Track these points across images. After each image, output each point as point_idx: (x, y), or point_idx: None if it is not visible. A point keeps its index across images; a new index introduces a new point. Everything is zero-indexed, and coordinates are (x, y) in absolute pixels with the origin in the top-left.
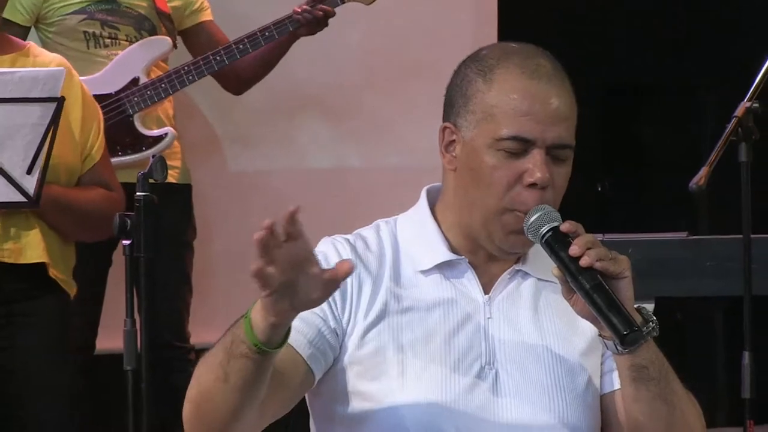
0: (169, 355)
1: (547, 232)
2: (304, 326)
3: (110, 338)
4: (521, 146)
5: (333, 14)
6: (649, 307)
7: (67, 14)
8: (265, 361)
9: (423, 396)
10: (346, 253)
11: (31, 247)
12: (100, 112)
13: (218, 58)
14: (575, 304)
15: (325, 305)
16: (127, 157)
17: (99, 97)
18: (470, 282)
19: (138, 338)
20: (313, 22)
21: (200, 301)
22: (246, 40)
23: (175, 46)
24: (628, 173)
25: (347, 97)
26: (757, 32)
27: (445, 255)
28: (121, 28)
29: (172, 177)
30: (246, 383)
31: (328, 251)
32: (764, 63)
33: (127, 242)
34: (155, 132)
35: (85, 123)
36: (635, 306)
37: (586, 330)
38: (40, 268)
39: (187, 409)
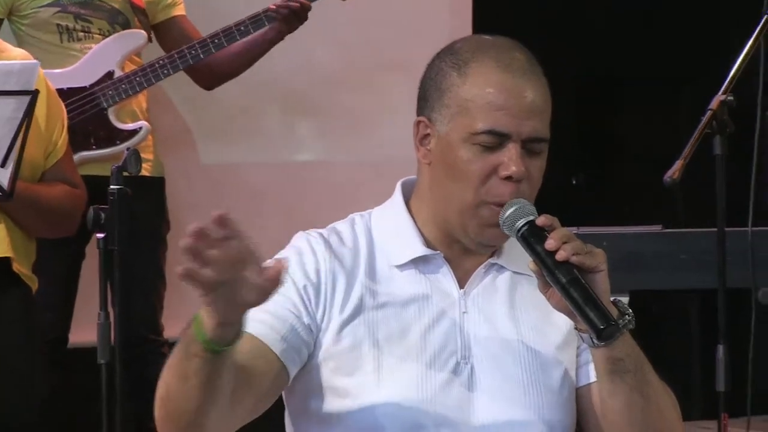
0: (143, 348)
1: (523, 226)
2: (276, 323)
3: (84, 332)
4: (496, 140)
5: (309, 8)
6: (624, 300)
7: (40, 7)
8: (219, 359)
9: (398, 391)
10: (320, 249)
11: None
12: (64, 108)
13: (193, 52)
14: (551, 298)
15: (298, 301)
16: (102, 151)
17: (73, 91)
18: (445, 277)
19: (112, 331)
20: (291, 16)
21: (174, 294)
22: (221, 35)
23: (150, 40)
24: (603, 166)
25: (323, 92)
26: (733, 25)
27: (420, 250)
28: (94, 21)
29: (146, 170)
30: (205, 382)
31: (302, 246)
32: (739, 56)
33: (101, 235)
34: (129, 126)
35: (50, 119)
36: (611, 299)
37: (562, 323)
38: (4, 263)
39: (156, 409)
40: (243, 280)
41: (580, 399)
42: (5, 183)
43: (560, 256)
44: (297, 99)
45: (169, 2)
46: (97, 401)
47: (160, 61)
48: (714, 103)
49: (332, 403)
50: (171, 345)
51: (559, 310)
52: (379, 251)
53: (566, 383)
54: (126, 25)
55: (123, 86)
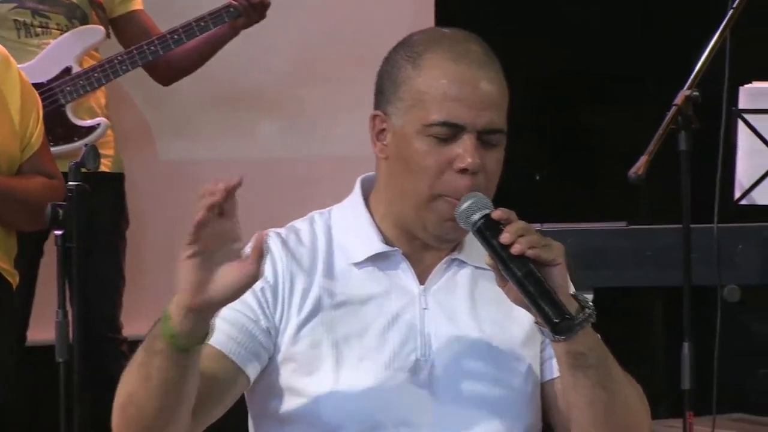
0: (102, 346)
1: (479, 219)
2: (234, 330)
3: (42, 329)
4: (451, 132)
5: (269, 3)
6: (588, 297)
7: None
8: (183, 360)
9: (358, 390)
10: (277, 250)
11: None
12: (39, 100)
13: (152, 48)
14: (509, 293)
15: (255, 305)
16: (59, 148)
17: None
18: (405, 273)
19: (70, 329)
20: (250, 11)
21: (132, 291)
22: (180, 30)
23: (108, 35)
24: (567, 162)
25: (282, 87)
26: (698, 20)
27: (378, 247)
28: (51, 16)
29: (105, 166)
30: (168, 382)
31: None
32: (704, 51)
33: (59, 232)
34: (87, 122)
35: (25, 111)
36: (572, 293)
37: (524, 319)
38: None
39: (114, 417)
40: (224, 258)
41: (545, 394)
42: None
43: (515, 249)
44: (256, 95)
45: None
46: (56, 399)
47: (119, 57)
48: (679, 99)
49: (292, 404)
50: (130, 343)
51: (518, 304)
52: (338, 249)
53: (530, 379)
54: (84, 20)
55: (81, 82)
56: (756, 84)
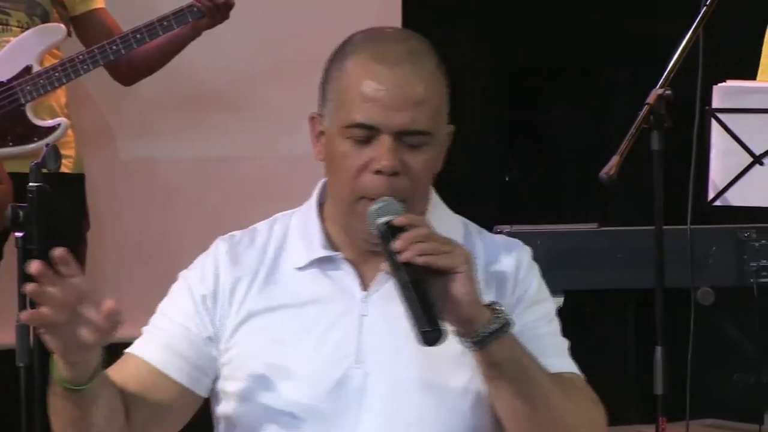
0: None
1: (382, 224)
2: (176, 343)
3: (1, 334)
4: (368, 133)
5: (233, 4)
6: (559, 300)
7: None
8: (82, 398)
9: (288, 395)
10: (222, 256)
11: None
12: None
13: (114, 47)
14: None
15: (195, 315)
16: (18, 148)
17: None
18: (348, 278)
19: (31, 333)
20: (214, 10)
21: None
22: (143, 30)
23: (69, 33)
24: (537, 162)
25: (241, 87)
26: (669, 16)
27: (319, 252)
28: (12, 13)
29: (66, 167)
30: (74, 419)
31: (207, 255)
32: (677, 48)
33: (19, 234)
34: (48, 123)
35: None
36: (488, 302)
37: None
38: None
39: None
40: (81, 320)
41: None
42: None
43: (403, 256)
44: (216, 95)
45: None
46: (16, 405)
47: (80, 56)
48: (651, 98)
49: (228, 408)
50: None
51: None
52: (287, 252)
53: (471, 388)
54: (45, 18)
55: (41, 81)
56: (730, 83)
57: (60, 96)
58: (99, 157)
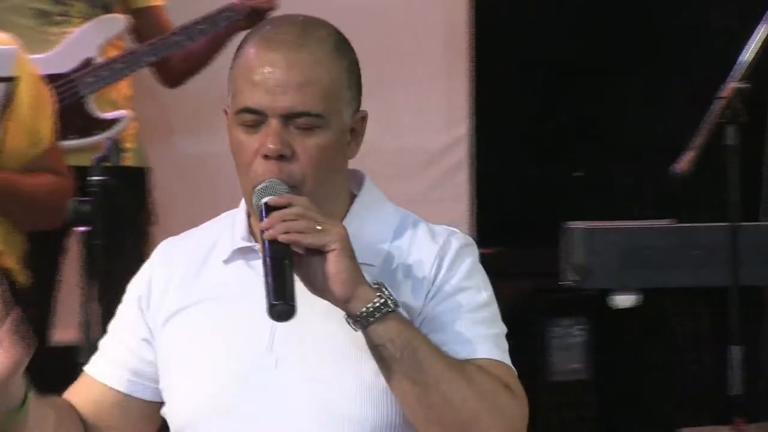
0: None
1: (260, 204)
2: (119, 355)
3: (63, 329)
4: (255, 118)
5: (276, 7)
6: (631, 298)
7: None
8: (11, 424)
9: (202, 388)
10: (157, 257)
11: None
12: (52, 95)
13: (177, 38)
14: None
15: (135, 319)
16: (79, 141)
17: (50, 78)
18: None
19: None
20: (253, 15)
21: None
22: (203, 23)
23: (130, 25)
24: (603, 160)
25: None
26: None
27: (239, 242)
28: (74, 4)
29: (127, 160)
30: None
31: (146, 263)
32: (751, 42)
33: (82, 229)
34: (109, 115)
35: (36, 106)
36: (375, 282)
37: None
38: None
39: None
40: None
41: None
42: None
43: (266, 235)
44: None
45: None
46: None
47: (142, 48)
48: (727, 91)
49: (165, 408)
50: None
51: (313, 293)
52: (217, 247)
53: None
54: (108, 9)
55: (103, 73)
56: None
57: (123, 88)
58: (160, 150)
